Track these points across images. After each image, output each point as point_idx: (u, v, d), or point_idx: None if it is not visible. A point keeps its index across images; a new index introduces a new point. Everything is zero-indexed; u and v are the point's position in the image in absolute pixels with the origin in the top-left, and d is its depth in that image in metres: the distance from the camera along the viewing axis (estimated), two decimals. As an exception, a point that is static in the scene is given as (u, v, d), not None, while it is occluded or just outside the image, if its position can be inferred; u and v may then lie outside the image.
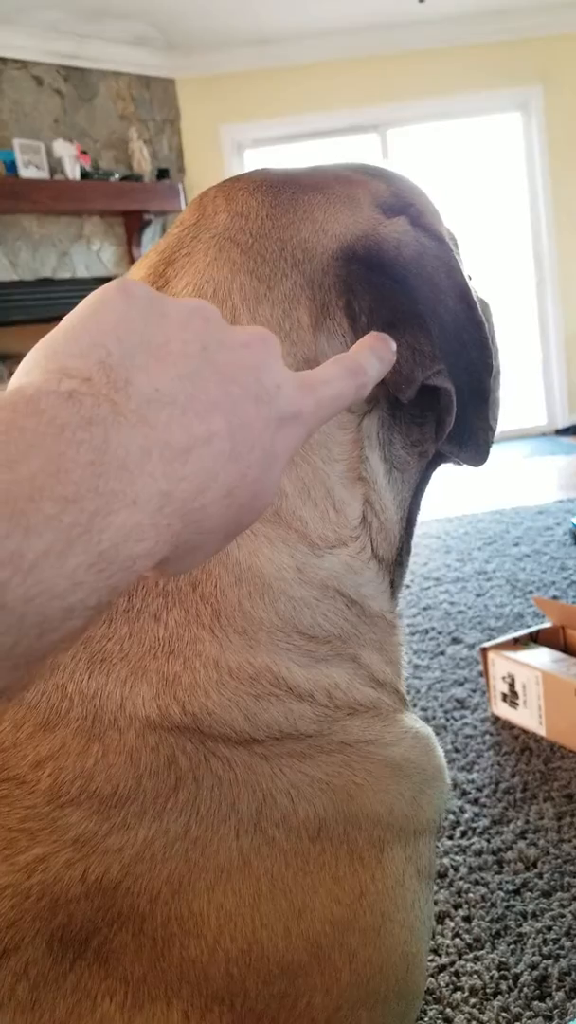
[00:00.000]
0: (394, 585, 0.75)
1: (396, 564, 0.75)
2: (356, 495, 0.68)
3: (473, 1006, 1.16)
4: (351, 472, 0.67)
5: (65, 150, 5.12)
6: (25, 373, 0.34)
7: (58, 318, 5.17)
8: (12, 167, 4.95)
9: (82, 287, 5.32)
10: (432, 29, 5.81)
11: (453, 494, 4.35)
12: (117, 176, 5.39)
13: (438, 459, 0.76)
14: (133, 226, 5.55)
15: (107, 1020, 0.52)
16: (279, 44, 5.78)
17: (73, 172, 5.15)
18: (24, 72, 5.15)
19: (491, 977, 1.20)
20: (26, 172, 4.99)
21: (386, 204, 0.70)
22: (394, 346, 0.57)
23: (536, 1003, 1.15)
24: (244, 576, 0.61)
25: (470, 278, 0.80)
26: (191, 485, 0.34)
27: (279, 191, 0.70)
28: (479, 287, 0.82)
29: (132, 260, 5.54)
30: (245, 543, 0.62)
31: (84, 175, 5.23)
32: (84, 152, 5.29)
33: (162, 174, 5.63)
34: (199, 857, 0.55)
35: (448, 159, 6.21)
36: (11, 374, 5.28)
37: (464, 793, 1.65)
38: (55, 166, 5.16)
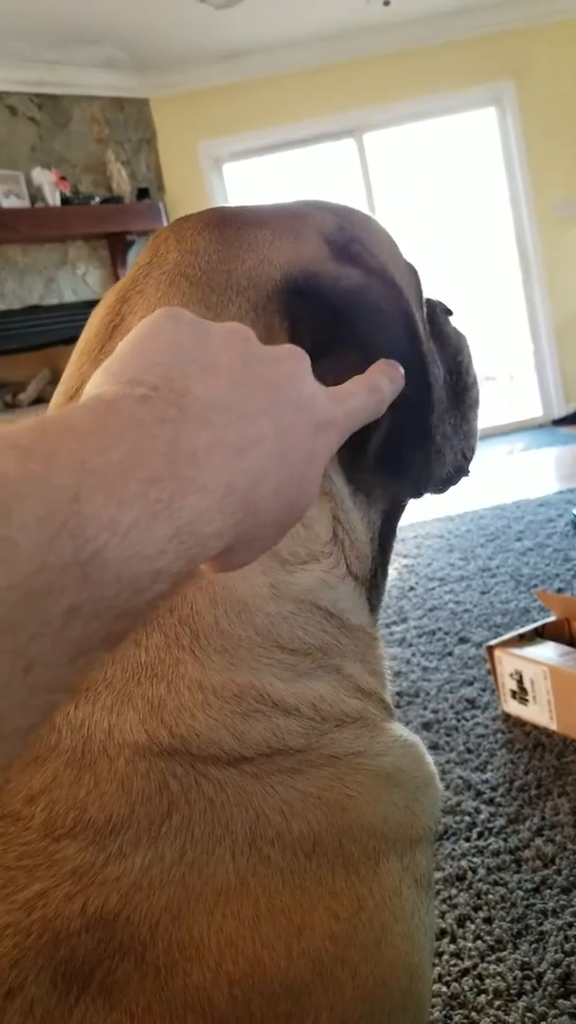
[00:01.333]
0: (372, 603, 0.76)
1: (371, 586, 0.76)
2: (324, 511, 0.69)
3: (498, 1008, 1.16)
4: None
5: (44, 177, 5.14)
6: (94, 388, 0.39)
7: (48, 344, 5.20)
8: (-8, 198, 4.97)
9: (70, 312, 5.34)
10: (401, 31, 5.82)
11: (454, 491, 4.34)
12: (97, 199, 5.41)
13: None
14: (117, 248, 5.57)
15: None
16: (249, 57, 5.80)
17: (53, 199, 5.17)
18: (-2, 103, 5.17)
19: (515, 978, 1.20)
20: (7, 202, 5.01)
21: (331, 236, 0.71)
22: (402, 371, 0.59)
23: (561, 1001, 1.15)
24: (219, 596, 0.62)
25: (449, 313, 0.85)
26: (249, 479, 0.39)
27: (226, 227, 0.72)
28: (456, 319, 0.86)
29: (117, 279, 5.55)
30: None
31: (65, 201, 5.25)
32: (63, 178, 5.31)
33: (142, 194, 5.65)
34: (196, 881, 0.55)
35: (427, 158, 6.23)
36: (6, 404, 5.28)
37: (479, 793, 1.65)
38: (35, 194, 5.17)
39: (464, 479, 0.86)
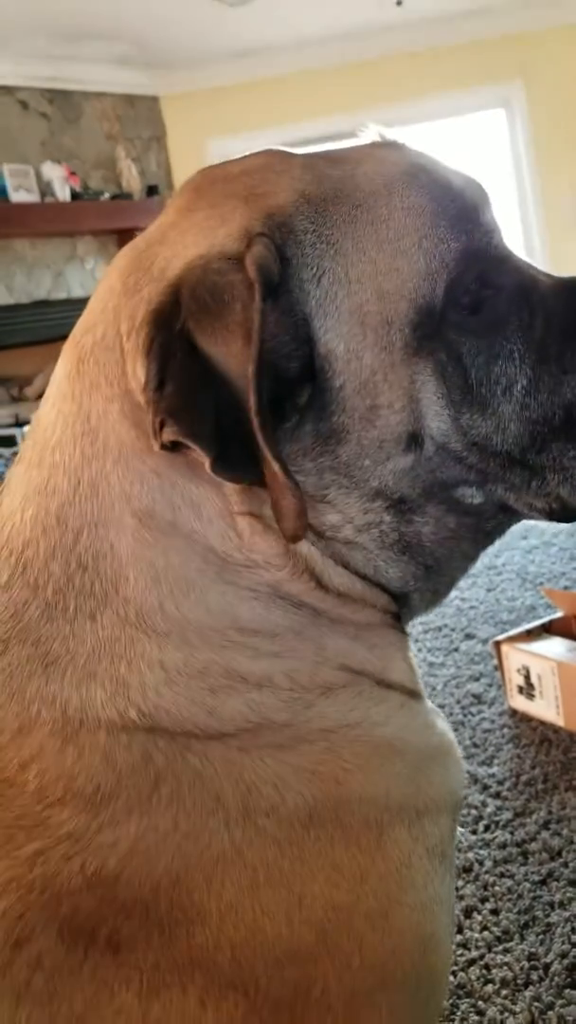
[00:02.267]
0: (399, 615, 0.73)
1: (398, 605, 0.72)
2: (260, 522, 0.64)
3: (505, 998, 1.16)
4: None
5: (54, 172, 5.15)
6: None
7: (56, 339, 5.21)
8: (3, 192, 4.98)
9: (78, 307, 5.27)
10: (411, 32, 5.83)
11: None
12: (107, 195, 5.42)
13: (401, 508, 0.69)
14: (126, 243, 5.57)
15: (125, 1010, 0.52)
16: (260, 56, 5.81)
17: (63, 194, 5.18)
18: (9, 97, 5.18)
19: (521, 968, 1.20)
20: (16, 196, 5.01)
21: (252, 230, 0.61)
22: None
23: (568, 991, 1.15)
24: (162, 576, 0.62)
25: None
26: None
27: (192, 199, 0.67)
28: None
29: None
30: (156, 543, 0.62)
31: (74, 196, 5.26)
32: (73, 173, 5.32)
33: (152, 191, 5.66)
34: (192, 849, 0.56)
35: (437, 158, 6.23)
36: (12, 398, 5.29)
37: (485, 787, 1.65)
38: (45, 189, 5.18)
39: None
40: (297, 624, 0.65)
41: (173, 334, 0.58)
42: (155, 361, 0.58)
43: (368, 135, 0.77)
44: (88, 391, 0.64)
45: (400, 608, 0.73)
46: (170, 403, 0.56)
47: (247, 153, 0.71)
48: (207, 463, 0.56)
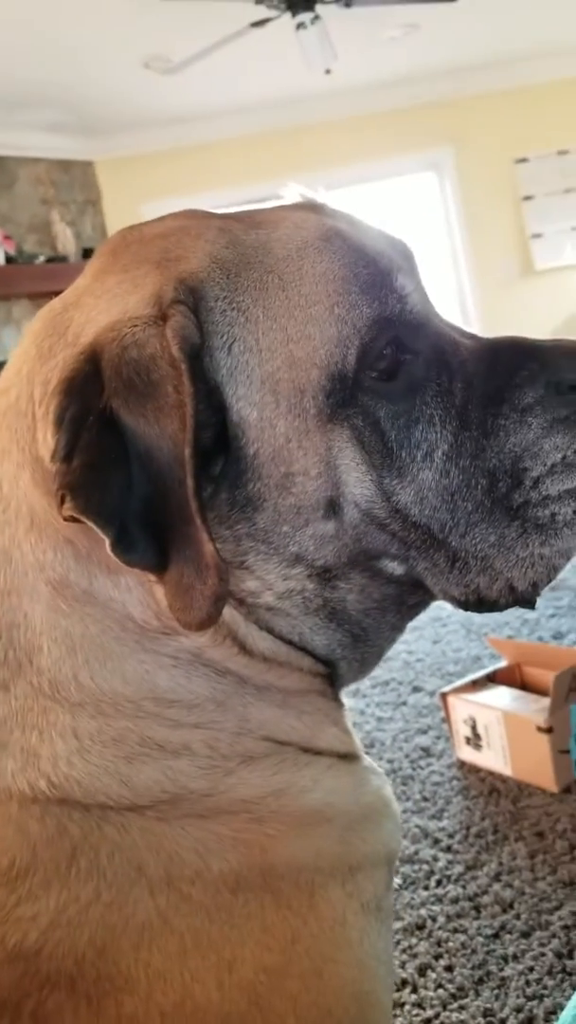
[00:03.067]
0: (330, 680, 0.71)
1: (327, 672, 0.71)
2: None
3: (462, 1058, 1.14)
4: None
5: (-11, 236, 5.16)
6: None
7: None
8: None
9: (15, 370, 5.32)
10: (341, 99, 6.00)
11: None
12: (42, 258, 5.44)
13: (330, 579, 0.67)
14: (63, 306, 5.58)
15: None
16: (193, 122, 5.92)
17: (-1, 257, 5.19)
18: (-57, 163, 5.20)
19: (478, 1026, 1.18)
20: (-49, 261, 5.02)
21: (165, 298, 0.59)
22: None
23: (525, 1048, 1.13)
24: (78, 645, 0.60)
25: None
26: None
27: (107, 262, 0.66)
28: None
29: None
30: (72, 611, 0.60)
31: (9, 259, 5.27)
32: (8, 237, 5.33)
33: (87, 253, 5.69)
34: (117, 919, 0.55)
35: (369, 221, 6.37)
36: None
37: (436, 841, 1.64)
38: (-20, 253, 5.19)
39: (525, 608, 0.68)
40: (220, 693, 0.63)
41: (88, 407, 0.56)
42: (66, 432, 0.56)
43: (290, 194, 0.77)
44: (0, 456, 0.63)
45: (330, 674, 0.72)
46: (75, 478, 0.54)
47: (167, 214, 0.70)
48: (107, 544, 0.54)
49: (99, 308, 0.62)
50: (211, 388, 0.61)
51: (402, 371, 0.65)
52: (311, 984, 0.57)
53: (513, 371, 0.67)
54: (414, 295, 0.67)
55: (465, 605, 0.68)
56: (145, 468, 0.55)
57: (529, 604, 0.67)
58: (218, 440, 0.61)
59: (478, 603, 0.68)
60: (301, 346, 0.62)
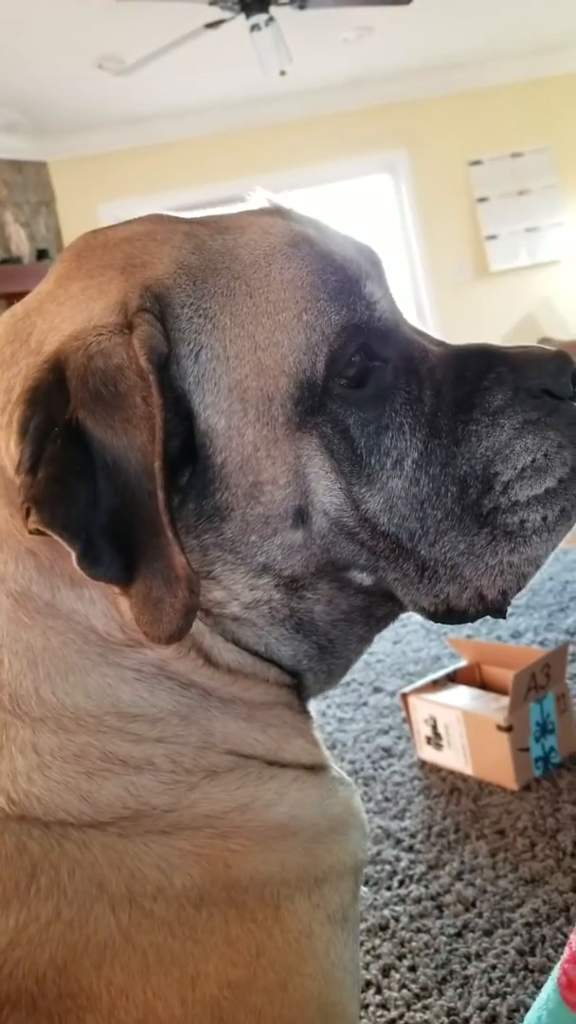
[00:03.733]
0: (297, 691, 0.70)
1: (294, 683, 0.70)
2: None
3: (427, 1058, 1.14)
4: None
5: None
6: None
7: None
8: None
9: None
10: (296, 101, 6.01)
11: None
12: (-4, 260, 5.39)
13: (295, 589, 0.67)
14: (17, 308, 5.53)
15: None
16: (148, 123, 5.90)
17: (-49, 259, 5.13)
18: None
19: (442, 1025, 1.18)
20: None
21: (131, 305, 0.58)
22: None
23: (489, 1046, 1.13)
24: (40, 659, 0.59)
25: (555, 397, 0.66)
26: None
27: (70, 268, 0.65)
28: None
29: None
30: (33, 624, 0.59)
31: (-38, 261, 5.21)
32: (-39, 238, 5.27)
33: (42, 254, 5.65)
34: (78, 938, 0.54)
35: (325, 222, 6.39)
36: None
37: (398, 841, 1.64)
38: None
39: (495, 618, 0.68)
40: (184, 707, 0.63)
41: (53, 418, 0.55)
42: (30, 443, 0.55)
43: (256, 199, 0.75)
44: None
45: (296, 685, 0.71)
46: (40, 490, 0.53)
47: (133, 218, 0.69)
48: (73, 557, 0.53)
49: (62, 315, 0.61)
50: (178, 396, 0.60)
51: (371, 378, 0.65)
52: (276, 997, 0.57)
53: (481, 376, 0.67)
54: (383, 302, 0.67)
55: (435, 616, 0.67)
56: (112, 480, 0.54)
57: (499, 613, 0.67)
58: (185, 449, 0.60)
59: (447, 613, 0.67)
60: (269, 353, 0.61)
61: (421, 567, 0.66)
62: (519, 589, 0.66)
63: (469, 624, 2.72)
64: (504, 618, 0.67)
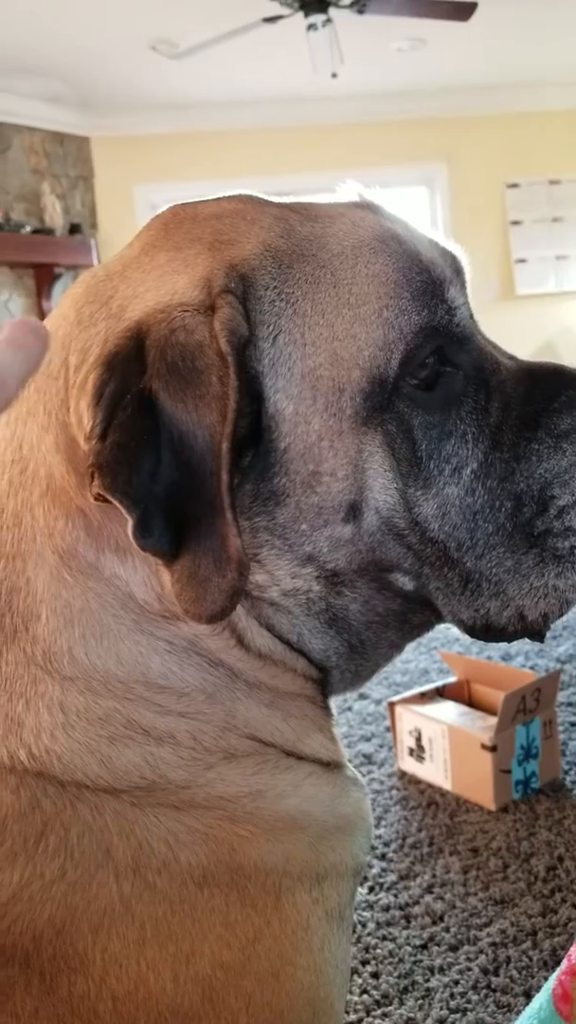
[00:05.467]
0: (320, 684, 0.70)
1: (320, 678, 0.70)
2: None
3: (382, 1064, 1.14)
4: None
5: (-24, 201, 5.10)
6: None
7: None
8: None
9: (-11, 337, 5.27)
10: (342, 105, 6.01)
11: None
12: (28, 228, 5.38)
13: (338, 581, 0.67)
14: (43, 278, 5.53)
15: None
16: (194, 110, 5.90)
17: (-17, 223, 5.13)
18: None
19: (399, 1034, 1.19)
20: None
21: (215, 284, 0.59)
22: (43, 335, 0.45)
23: (444, 1059, 1.14)
24: (77, 618, 0.60)
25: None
26: None
27: (157, 238, 0.66)
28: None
29: (42, 312, 5.51)
30: (75, 583, 0.60)
31: (-5, 226, 5.21)
32: (-5, 203, 5.28)
33: (74, 229, 5.64)
34: (79, 900, 0.54)
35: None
36: None
37: (372, 849, 1.65)
38: (-35, 216, 5.12)
39: (533, 641, 0.68)
40: (210, 685, 0.63)
41: (128, 386, 0.55)
42: (104, 408, 0.55)
43: (347, 192, 0.75)
44: (24, 418, 0.62)
45: (322, 680, 0.71)
46: (107, 455, 0.54)
47: (222, 196, 0.69)
48: (129, 525, 0.54)
49: (147, 284, 0.61)
50: (251, 377, 0.60)
51: (441, 383, 0.65)
52: (267, 985, 0.57)
53: (552, 397, 0.67)
54: (463, 309, 0.67)
55: (472, 631, 0.68)
56: (176, 454, 0.55)
57: (538, 636, 0.67)
58: (250, 431, 0.60)
59: (486, 629, 0.67)
60: (346, 345, 0.62)
61: (465, 579, 0.66)
62: (561, 615, 0.66)
63: (460, 642, 2.72)
64: (542, 642, 0.67)
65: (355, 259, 0.64)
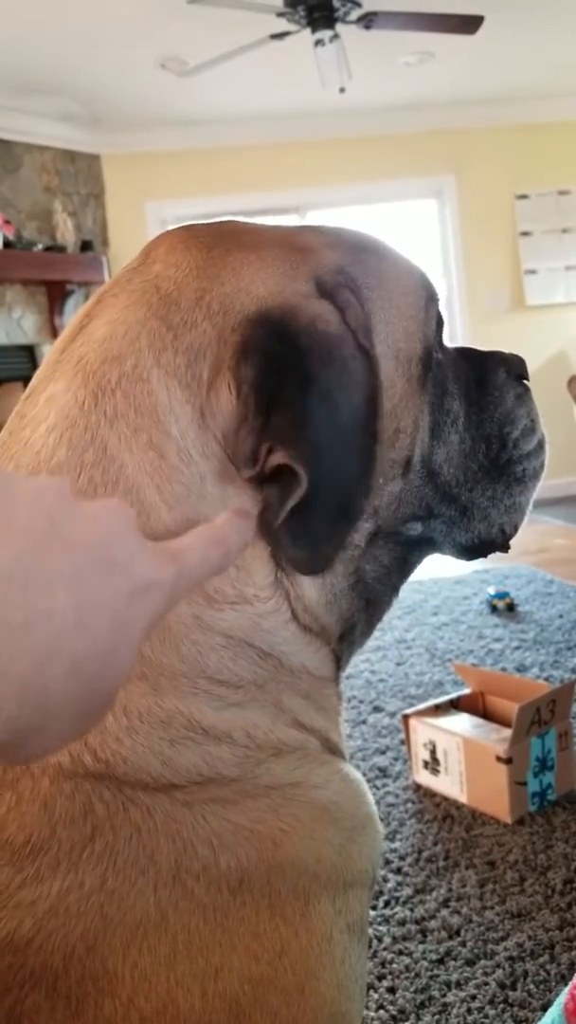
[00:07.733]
0: (336, 655, 0.73)
1: (339, 639, 0.73)
2: (262, 553, 0.64)
3: (399, 1080, 1.14)
4: None
5: (-12, 219, 5.14)
6: None
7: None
8: None
9: (3, 355, 5.30)
10: (350, 119, 6.04)
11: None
12: (40, 246, 5.42)
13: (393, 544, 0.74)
14: (56, 295, 5.56)
15: None
16: (204, 126, 5.93)
17: (-4, 241, 5.16)
18: (-51, 142, 5.17)
19: (417, 1049, 1.18)
20: (-52, 240, 4.98)
21: (324, 275, 0.67)
22: (252, 523, 0.53)
23: (462, 1074, 1.13)
24: None
25: (521, 377, 0.84)
26: (31, 660, 0.34)
27: (215, 246, 0.69)
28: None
29: (54, 329, 5.54)
30: None
31: (7, 244, 5.24)
32: (7, 221, 5.31)
33: (86, 246, 5.67)
34: (115, 912, 0.54)
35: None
36: None
37: (387, 862, 1.64)
38: (-23, 235, 5.16)
39: (499, 553, 0.84)
40: (259, 677, 0.65)
41: (283, 367, 0.60)
42: (263, 387, 0.60)
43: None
44: (109, 421, 0.63)
45: (341, 650, 0.74)
46: (281, 431, 0.59)
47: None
48: (301, 487, 0.59)
49: (247, 279, 0.65)
50: (370, 357, 0.69)
51: (443, 354, 0.78)
52: (293, 1000, 0.57)
53: (482, 363, 0.83)
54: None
55: (469, 551, 0.81)
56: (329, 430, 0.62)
57: (506, 548, 0.83)
58: None
59: (479, 548, 0.81)
60: (411, 322, 0.73)
61: (462, 511, 0.79)
62: (522, 522, 0.83)
63: (474, 654, 2.72)
64: (507, 551, 0.84)
65: (391, 254, 0.75)
